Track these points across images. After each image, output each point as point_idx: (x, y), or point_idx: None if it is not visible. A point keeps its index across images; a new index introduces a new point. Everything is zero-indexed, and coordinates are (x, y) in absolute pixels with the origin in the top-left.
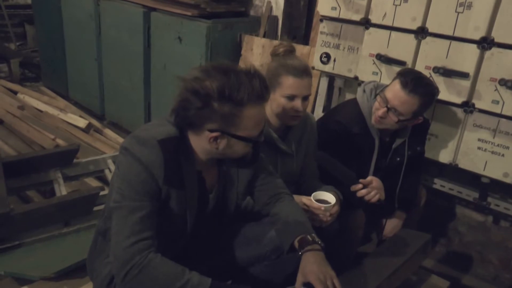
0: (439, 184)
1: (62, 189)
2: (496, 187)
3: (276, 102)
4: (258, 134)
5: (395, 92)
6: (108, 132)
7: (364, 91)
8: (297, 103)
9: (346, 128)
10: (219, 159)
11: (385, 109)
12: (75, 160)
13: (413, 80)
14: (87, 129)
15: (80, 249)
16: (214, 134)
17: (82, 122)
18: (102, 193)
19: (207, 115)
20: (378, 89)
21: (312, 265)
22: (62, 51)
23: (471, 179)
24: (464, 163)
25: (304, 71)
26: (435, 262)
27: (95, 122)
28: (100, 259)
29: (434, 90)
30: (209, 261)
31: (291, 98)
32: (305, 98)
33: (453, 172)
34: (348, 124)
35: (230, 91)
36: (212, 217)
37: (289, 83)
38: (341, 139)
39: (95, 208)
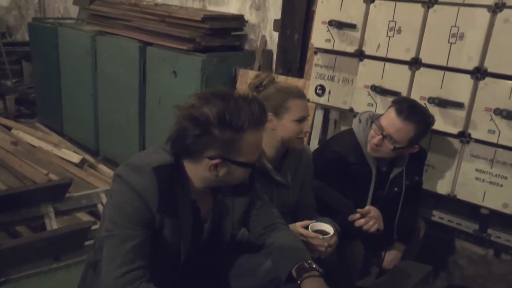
0: (437, 216)
1: (53, 224)
2: (496, 218)
3: (284, 128)
4: (257, 159)
5: (390, 120)
6: (102, 167)
7: (360, 120)
8: (307, 124)
9: (343, 158)
10: (214, 187)
11: (380, 136)
12: (67, 195)
13: (408, 108)
14: (81, 164)
15: (70, 285)
16: (215, 161)
17: (75, 157)
18: (94, 227)
19: (206, 142)
20: (374, 119)
21: None
22: (57, 88)
23: (470, 211)
24: (462, 194)
25: (303, 93)
26: None
27: (89, 158)
28: None
29: (429, 118)
30: None
31: (301, 120)
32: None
33: (451, 204)
34: (345, 153)
35: (230, 117)
36: (206, 247)
37: (298, 106)
38: (338, 168)
39: (87, 243)
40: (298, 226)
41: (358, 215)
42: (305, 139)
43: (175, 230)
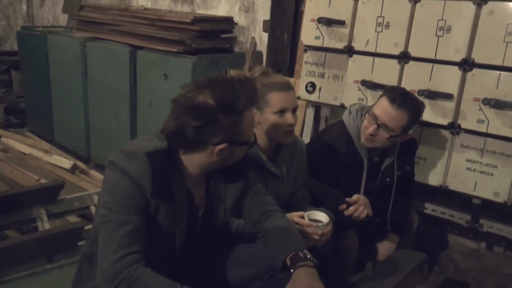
0: (430, 208)
1: (46, 226)
2: (488, 211)
3: (267, 121)
4: (252, 135)
5: (384, 108)
6: (94, 173)
7: (350, 112)
8: (289, 116)
9: (334, 148)
10: (207, 174)
11: (375, 126)
12: (59, 197)
13: (400, 96)
14: (73, 170)
15: (64, 286)
16: (221, 146)
17: (67, 163)
18: (87, 227)
19: (212, 131)
20: (364, 110)
21: (304, 279)
22: (48, 95)
23: (462, 203)
24: (454, 185)
25: (287, 85)
26: None
27: (80, 164)
28: (87, 285)
29: (420, 105)
30: (199, 283)
31: (281, 113)
32: (294, 111)
33: (444, 197)
34: (336, 144)
35: (231, 101)
36: (201, 236)
37: (277, 98)
38: (330, 160)
39: (80, 243)
40: (293, 215)
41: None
42: (295, 132)
43: (171, 216)
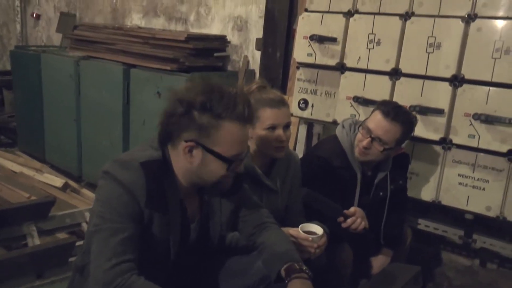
0: (423, 224)
1: (36, 243)
2: (480, 226)
3: (258, 136)
4: (235, 156)
5: (378, 122)
6: (86, 192)
7: (343, 126)
8: (279, 132)
9: (328, 162)
10: (200, 188)
11: (369, 139)
12: (50, 214)
13: (393, 109)
14: (64, 189)
15: None
16: (189, 143)
17: (58, 182)
18: (78, 243)
19: (185, 123)
20: (357, 124)
21: None
22: (40, 114)
23: (455, 219)
24: (447, 200)
25: (280, 101)
26: None
27: (72, 183)
28: None
29: (413, 118)
30: None
31: (272, 129)
32: (286, 127)
33: (436, 213)
34: (329, 158)
35: (211, 102)
36: (195, 249)
37: (267, 115)
38: (323, 173)
39: (71, 259)
40: (288, 230)
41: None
42: (288, 147)
43: (164, 226)
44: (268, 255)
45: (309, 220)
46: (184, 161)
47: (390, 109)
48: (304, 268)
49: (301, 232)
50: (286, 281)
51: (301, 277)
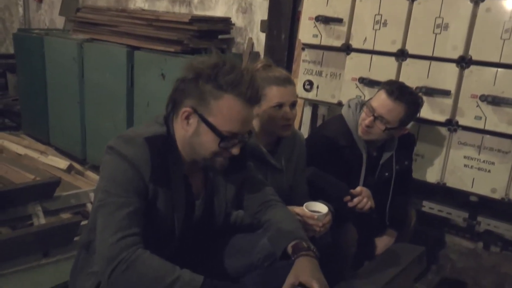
0: (428, 206)
1: (41, 222)
2: (485, 209)
3: (264, 115)
4: (229, 132)
5: (382, 101)
6: (90, 174)
7: (349, 106)
8: (286, 110)
9: (333, 142)
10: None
11: (371, 118)
12: (55, 194)
13: (398, 89)
14: (68, 171)
15: (60, 281)
16: (187, 109)
17: (63, 164)
18: (83, 223)
19: (190, 90)
20: (363, 104)
21: (306, 268)
22: (44, 98)
23: (459, 202)
24: (452, 182)
25: (286, 80)
26: None
27: (76, 165)
28: (84, 274)
29: (418, 99)
30: (197, 271)
31: (278, 107)
32: (292, 106)
33: (441, 196)
34: (335, 137)
35: (217, 74)
36: (200, 227)
37: (273, 93)
38: (328, 153)
39: (76, 238)
40: (294, 208)
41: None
42: (293, 126)
43: (169, 202)
44: (274, 232)
45: (314, 200)
46: (181, 129)
47: (395, 88)
48: (311, 247)
49: (306, 210)
50: (293, 258)
51: (308, 255)
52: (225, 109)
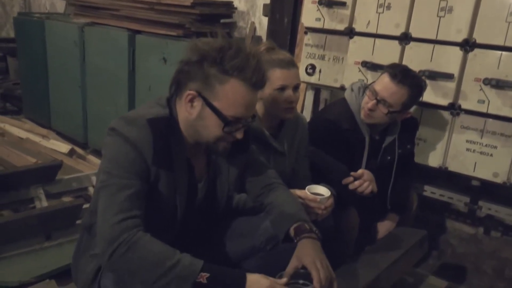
0: (429, 191)
1: (43, 205)
2: (486, 194)
3: (267, 97)
4: (233, 117)
5: (384, 84)
6: (92, 158)
7: (352, 89)
8: (289, 92)
9: (336, 125)
10: (206, 147)
11: (374, 101)
12: (57, 177)
13: (401, 72)
14: (70, 155)
15: (62, 264)
16: (191, 92)
17: (64, 148)
18: (85, 206)
19: (194, 72)
20: (366, 88)
21: (309, 250)
22: (45, 82)
23: (461, 187)
24: (454, 166)
25: (290, 62)
26: (430, 275)
27: (78, 149)
28: (86, 257)
29: (422, 82)
30: (199, 255)
31: (281, 89)
32: (295, 88)
33: (443, 181)
34: (338, 120)
35: (223, 57)
36: (202, 210)
37: (277, 75)
38: (331, 136)
39: (78, 221)
40: (295, 190)
41: (351, 179)
42: (296, 109)
43: (171, 184)
44: (277, 214)
45: (316, 182)
46: (185, 112)
47: (398, 71)
48: (314, 229)
49: (308, 193)
50: (296, 241)
51: (310, 237)
52: (230, 94)
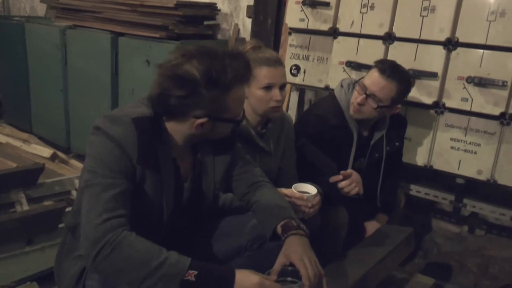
0: (415, 190)
1: (25, 209)
2: (471, 193)
3: (254, 96)
4: (241, 114)
5: (374, 79)
6: (74, 162)
7: (341, 86)
8: (275, 92)
9: (324, 121)
10: (193, 146)
11: (363, 96)
12: (39, 181)
13: (390, 67)
14: (52, 159)
15: (44, 268)
16: (201, 120)
17: (46, 152)
18: (67, 209)
19: (194, 102)
20: (355, 84)
21: (297, 247)
22: (25, 86)
23: (446, 186)
24: (438, 164)
25: (276, 61)
26: (417, 273)
27: (60, 154)
28: (69, 258)
29: (410, 78)
30: (186, 255)
31: (268, 88)
32: (282, 88)
33: (428, 180)
34: (326, 116)
35: (217, 75)
36: (188, 210)
37: (263, 73)
38: (319, 132)
39: (61, 225)
40: (281, 188)
41: (340, 177)
42: (282, 108)
43: (157, 184)
44: (263, 212)
45: (303, 177)
46: (190, 130)
47: (387, 66)
48: (301, 225)
49: (295, 191)
50: (283, 238)
51: (298, 234)
52: (237, 101)
